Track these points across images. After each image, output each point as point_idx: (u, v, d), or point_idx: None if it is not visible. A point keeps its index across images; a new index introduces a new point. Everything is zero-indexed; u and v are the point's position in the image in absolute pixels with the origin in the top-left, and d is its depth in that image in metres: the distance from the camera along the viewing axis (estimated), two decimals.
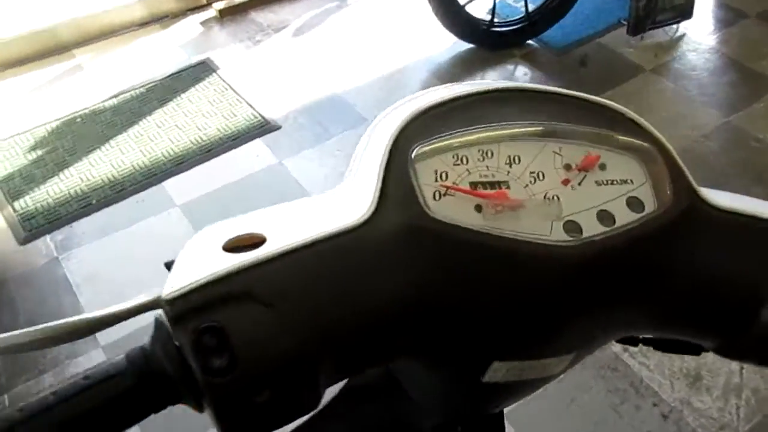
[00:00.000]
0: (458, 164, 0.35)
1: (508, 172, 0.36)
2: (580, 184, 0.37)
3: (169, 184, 1.92)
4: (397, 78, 2.33)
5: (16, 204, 1.86)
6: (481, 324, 0.35)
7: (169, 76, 2.33)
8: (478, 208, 0.34)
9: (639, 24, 2.32)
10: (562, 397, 1.44)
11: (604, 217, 0.36)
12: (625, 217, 0.36)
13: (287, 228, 0.34)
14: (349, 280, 0.32)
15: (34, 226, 1.79)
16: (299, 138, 2.08)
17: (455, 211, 0.34)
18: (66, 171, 1.96)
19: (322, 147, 2.05)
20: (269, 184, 1.92)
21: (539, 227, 0.34)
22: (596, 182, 0.37)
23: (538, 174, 0.36)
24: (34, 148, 2.05)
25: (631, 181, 0.37)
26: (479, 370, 0.37)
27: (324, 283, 0.32)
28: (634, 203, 0.37)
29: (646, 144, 0.38)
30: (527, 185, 0.36)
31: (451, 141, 0.36)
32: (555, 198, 0.36)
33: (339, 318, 0.32)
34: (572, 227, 0.35)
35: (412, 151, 0.35)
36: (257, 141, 2.06)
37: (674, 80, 2.28)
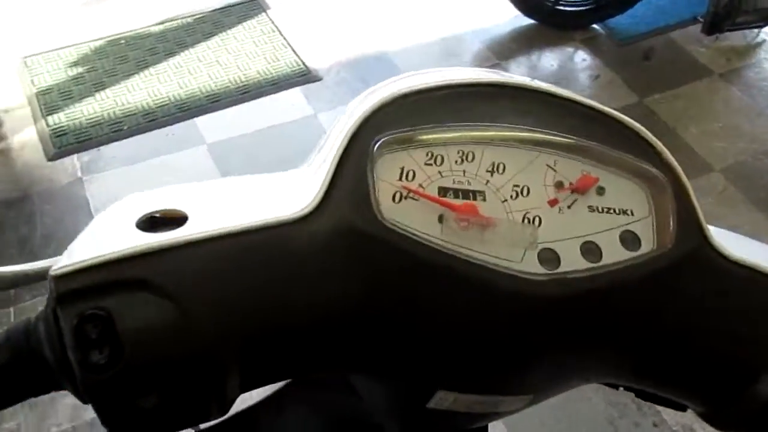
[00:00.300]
0: (430, 164, 0.30)
1: (488, 181, 0.31)
2: (569, 207, 0.31)
3: (201, 120, 1.90)
4: (448, 44, 2.24)
5: (50, 119, 1.87)
6: (425, 351, 0.31)
7: (219, 9, 2.28)
8: (442, 219, 0.30)
9: (716, 23, 2.17)
10: (557, 403, 1.39)
11: (590, 250, 0.31)
12: (614, 253, 0.31)
13: (215, 210, 0.30)
14: (270, 282, 0.28)
15: (64, 144, 1.80)
16: (339, 92, 2.02)
17: (414, 219, 0.29)
18: (102, 92, 1.95)
19: None
20: (300, 135, 1.88)
21: (509, 252, 0.30)
22: (589, 208, 0.32)
23: (522, 188, 0.31)
24: (75, 65, 2.05)
25: (631, 212, 0.32)
26: (422, 396, 0.33)
27: (238, 280, 0.28)
28: (628, 239, 0.31)
29: (657, 171, 0.32)
30: (506, 200, 0.31)
31: (426, 136, 0.31)
32: (535, 220, 0.31)
33: (251, 322, 0.28)
34: (549, 257, 0.30)
35: (376, 143, 0.30)
36: (296, 90, 2.02)
37: (743, 89, 2.14)
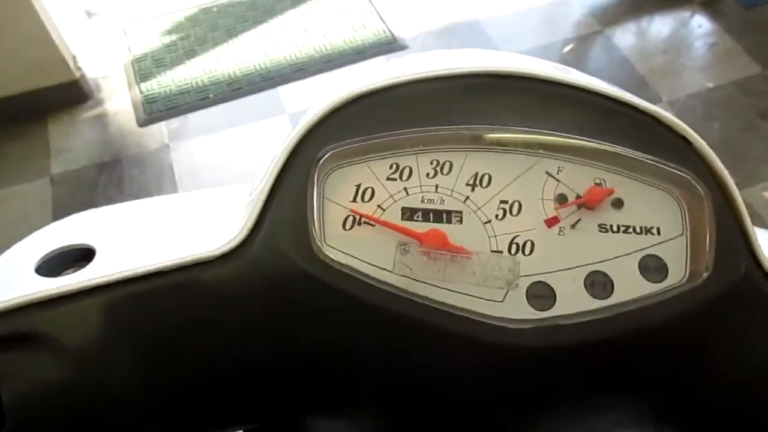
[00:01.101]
0: (394, 179, 0.24)
1: (467, 198, 0.25)
2: (573, 226, 0.25)
3: (284, 89, 1.89)
4: (547, 13, 2.08)
5: (143, 85, 1.93)
6: (378, 403, 0.25)
7: None
8: (405, 249, 0.24)
9: None
10: None
11: (598, 283, 0.24)
12: (630, 286, 0.24)
13: (128, 242, 0.26)
14: (184, 332, 0.24)
15: (154, 111, 1.86)
16: None
17: (368, 250, 0.24)
18: (192, 60, 1.99)
19: None
20: None
21: (489, 290, 0.23)
22: (601, 227, 0.25)
23: (511, 205, 0.25)
24: (169, 33, 2.10)
25: (658, 230, 0.25)
26: None
27: (146, 330, 0.24)
28: (652, 267, 0.24)
29: (694, 177, 0.24)
30: (489, 221, 0.24)
31: (388, 144, 0.25)
32: (525, 247, 0.24)
33: (163, 378, 0.24)
34: (541, 293, 0.24)
35: (322, 157, 0.24)
36: (380, 58, 1.96)
37: None
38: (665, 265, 0.24)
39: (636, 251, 0.25)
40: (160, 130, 1.81)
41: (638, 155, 0.25)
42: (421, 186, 0.25)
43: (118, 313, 0.24)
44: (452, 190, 0.25)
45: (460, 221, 0.25)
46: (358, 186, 0.25)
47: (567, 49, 1.91)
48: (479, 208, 0.25)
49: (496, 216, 0.25)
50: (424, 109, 0.25)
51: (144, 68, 1.99)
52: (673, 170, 0.25)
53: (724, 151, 1.60)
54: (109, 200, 1.64)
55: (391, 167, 0.25)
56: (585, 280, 0.24)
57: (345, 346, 0.24)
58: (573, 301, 0.24)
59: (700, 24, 1.99)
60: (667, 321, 0.23)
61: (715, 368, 0.25)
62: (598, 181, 0.25)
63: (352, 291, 0.23)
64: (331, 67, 1.94)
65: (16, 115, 1.80)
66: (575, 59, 1.88)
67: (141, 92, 1.91)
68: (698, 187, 0.24)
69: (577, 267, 0.24)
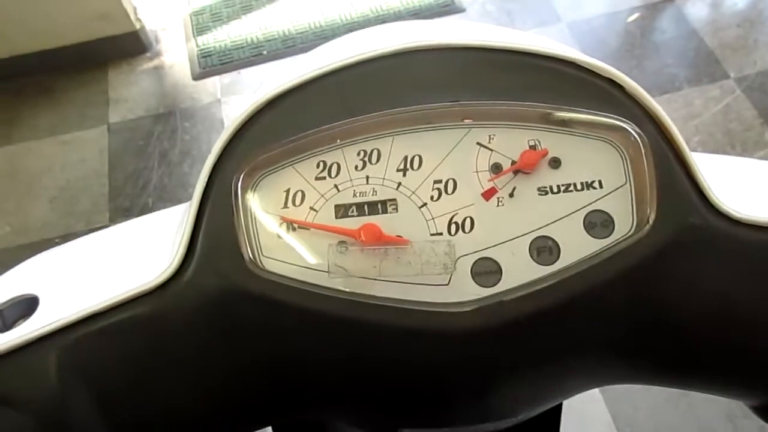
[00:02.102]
0: (323, 177, 0.24)
1: (400, 184, 0.24)
2: (512, 195, 0.24)
3: None
4: None
5: (199, 39, 1.96)
6: (345, 402, 0.25)
7: None
8: (342, 249, 0.23)
9: None
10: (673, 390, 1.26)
11: (544, 248, 0.23)
12: (577, 247, 0.23)
13: (70, 286, 0.26)
14: (136, 368, 0.24)
15: (209, 65, 1.88)
16: None
17: (304, 256, 0.24)
18: (248, 16, 2.00)
19: None
20: None
21: (431, 275, 0.23)
22: (540, 190, 0.24)
23: (446, 184, 0.24)
24: None
25: (600, 183, 0.24)
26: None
27: (98, 373, 0.23)
28: (597, 223, 0.23)
29: (630, 123, 0.23)
30: (424, 204, 0.24)
31: (311, 143, 0.24)
32: (466, 223, 0.23)
33: (122, 419, 0.24)
34: (487, 269, 0.23)
35: (245, 168, 0.24)
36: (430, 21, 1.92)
37: None
38: (611, 218, 0.24)
39: (579, 209, 0.24)
40: (214, 84, 1.84)
41: (568, 109, 0.24)
42: (351, 180, 0.24)
43: (66, 360, 0.23)
44: (383, 179, 0.24)
45: (396, 209, 0.24)
46: (288, 191, 0.24)
47: (632, 18, 1.83)
48: (413, 193, 0.24)
49: (432, 198, 0.24)
50: (341, 101, 0.24)
51: (201, 22, 2.01)
52: (607, 118, 0.23)
53: None
54: (162, 151, 1.68)
55: (318, 166, 0.24)
56: (530, 248, 0.23)
57: (296, 355, 0.24)
58: (520, 272, 0.23)
59: None
60: (616, 277, 0.22)
61: (671, 309, 0.24)
62: (532, 143, 0.24)
63: (291, 300, 0.23)
64: None
65: (79, 63, 1.86)
66: (640, 29, 1.79)
67: (197, 46, 1.94)
68: (632, 132, 0.23)
69: (520, 236, 0.24)
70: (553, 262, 0.23)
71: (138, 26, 1.86)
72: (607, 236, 0.23)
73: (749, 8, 1.86)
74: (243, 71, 1.86)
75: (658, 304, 0.23)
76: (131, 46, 1.88)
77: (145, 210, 1.55)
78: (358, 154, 0.24)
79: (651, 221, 0.23)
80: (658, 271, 0.23)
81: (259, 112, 0.25)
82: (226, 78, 1.84)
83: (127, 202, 1.57)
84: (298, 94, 0.25)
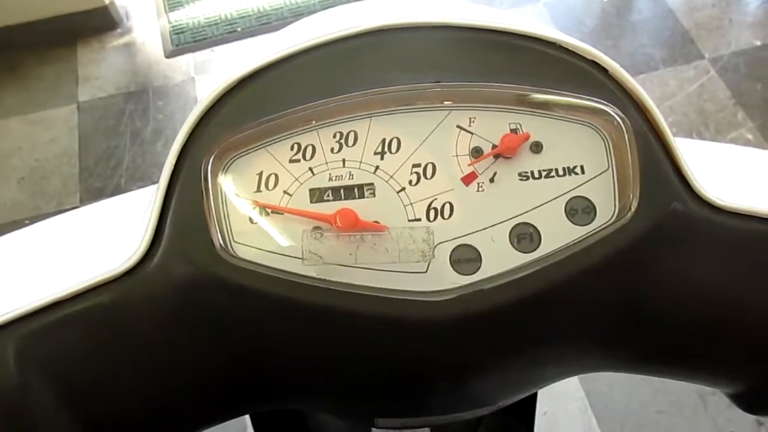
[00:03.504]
0: (297, 160, 0.23)
1: (377, 167, 0.23)
2: (492, 180, 0.23)
3: None
4: None
5: (171, 15, 1.91)
6: (321, 390, 0.25)
7: None
8: (316, 235, 0.22)
9: None
10: None
11: (524, 236, 0.23)
12: (558, 234, 0.23)
13: (28, 273, 0.25)
14: (102, 358, 0.23)
15: (182, 42, 1.84)
16: None
17: (277, 241, 0.23)
18: None
19: None
20: None
21: (409, 262, 0.22)
22: (521, 176, 0.23)
23: (425, 168, 0.23)
24: None
25: (582, 169, 0.23)
26: (364, 421, 0.28)
27: (62, 365, 0.22)
28: (579, 209, 0.23)
29: (612, 107, 0.23)
30: (403, 189, 0.23)
31: (285, 124, 0.23)
32: (445, 209, 0.23)
33: (88, 412, 0.23)
34: (466, 256, 0.22)
35: (215, 149, 0.23)
36: None
37: None
38: (593, 204, 0.23)
39: (561, 195, 0.23)
40: (187, 62, 1.80)
41: (551, 91, 0.23)
42: (327, 163, 0.23)
43: (26, 351, 0.22)
44: (360, 162, 0.23)
45: (373, 194, 0.23)
46: (260, 174, 0.23)
47: None
48: (391, 177, 0.23)
49: (410, 182, 0.23)
50: (317, 80, 0.23)
51: None
52: (589, 101, 0.23)
53: (766, 114, 1.53)
54: (134, 130, 1.65)
55: (292, 148, 0.23)
56: (510, 234, 0.23)
57: (268, 345, 0.23)
58: (499, 259, 0.23)
59: None
60: (598, 264, 0.22)
61: (652, 296, 0.23)
62: (513, 127, 0.23)
63: (263, 288, 0.22)
64: None
65: (46, 39, 1.80)
66: (616, 9, 1.79)
67: (169, 22, 1.90)
68: (615, 116, 0.22)
69: (500, 223, 0.23)
70: (534, 250, 0.23)
71: (107, 1, 1.81)
72: (589, 223, 0.23)
73: None
74: (217, 49, 1.82)
75: (639, 291, 0.23)
76: (101, 21, 1.83)
77: (117, 190, 1.53)
78: (334, 136, 0.24)
79: (633, 208, 0.22)
80: (640, 259, 0.23)
81: (230, 91, 0.24)
82: (200, 56, 1.81)
83: (98, 182, 1.54)
84: (272, 73, 0.24)
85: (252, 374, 0.24)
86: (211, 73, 1.77)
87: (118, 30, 1.86)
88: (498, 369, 0.25)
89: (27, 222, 1.48)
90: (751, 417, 1.20)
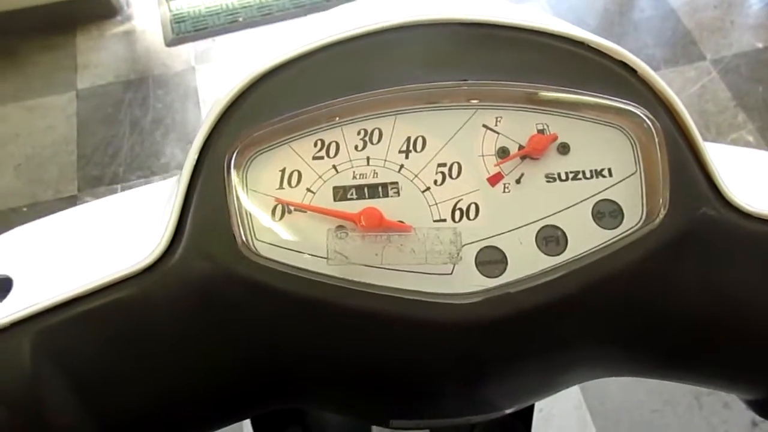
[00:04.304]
0: (321, 157, 0.23)
1: (402, 166, 0.23)
2: (518, 181, 0.23)
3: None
4: None
5: (172, 4, 1.90)
6: (342, 392, 0.24)
7: None
8: (341, 234, 0.22)
9: None
10: None
11: (550, 238, 0.22)
12: (585, 237, 0.22)
13: (47, 265, 0.24)
14: (121, 355, 0.22)
15: (183, 31, 1.83)
16: None
17: (300, 240, 0.22)
18: None
19: None
20: None
21: (436, 264, 0.22)
22: (548, 177, 0.23)
23: (450, 167, 0.23)
24: None
25: (609, 172, 0.23)
26: (378, 422, 0.27)
27: (80, 360, 0.22)
28: (606, 213, 0.23)
29: (642, 109, 0.22)
30: (428, 188, 0.23)
31: (308, 120, 0.23)
32: (470, 210, 0.22)
33: (105, 407, 0.22)
34: (492, 258, 0.22)
35: (237, 147, 0.22)
36: None
37: None
38: (620, 208, 0.23)
39: (588, 198, 0.23)
40: (187, 51, 1.79)
41: (579, 92, 0.22)
42: (351, 161, 0.23)
43: (42, 347, 0.22)
44: (385, 160, 0.23)
45: (398, 193, 0.23)
46: (283, 170, 0.23)
47: None
48: (416, 176, 0.23)
49: (435, 182, 0.23)
50: (341, 76, 0.23)
51: None
52: (618, 103, 0.22)
53: (767, 116, 1.53)
54: (133, 119, 1.64)
55: (315, 145, 0.23)
56: (536, 237, 0.23)
57: (290, 345, 0.23)
58: (525, 262, 0.22)
59: None
60: (624, 269, 0.22)
61: (678, 302, 0.23)
62: (540, 128, 0.23)
63: (286, 287, 0.22)
64: None
65: (45, 26, 1.78)
66: (618, 8, 1.79)
67: (170, 11, 1.88)
68: (645, 118, 0.22)
69: (527, 225, 0.23)
70: (560, 253, 0.22)
71: None
72: (616, 227, 0.23)
73: None
74: (218, 38, 1.81)
75: (665, 296, 0.23)
76: (100, 9, 1.81)
77: (115, 179, 1.52)
78: (359, 133, 0.23)
79: (662, 213, 0.22)
80: (668, 263, 0.22)
81: (253, 86, 0.23)
82: (201, 45, 1.79)
83: (96, 170, 1.53)
84: (296, 68, 0.23)
85: (270, 373, 0.24)
86: (212, 63, 1.75)
87: (118, 17, 1.85)
88: (520, 371, 0.24)
89: (24, 209, 1.47)
90: (745, 417, 1.21)
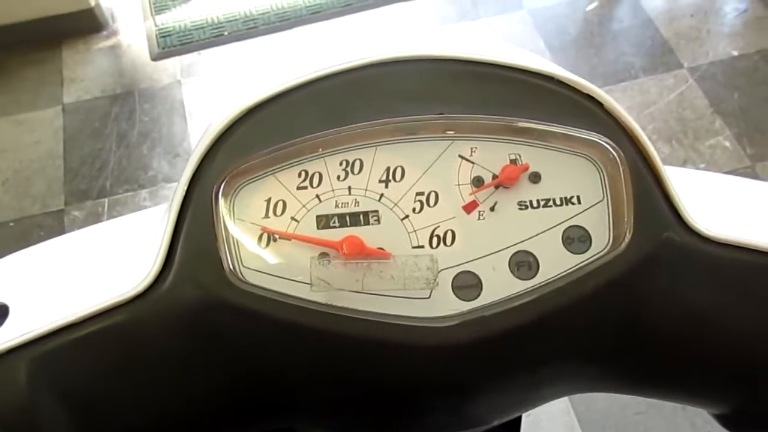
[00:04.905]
0: (305, 187, 0.24)
1: (382, 195, 0.24)
2: (492, 209, 0.24)
3: (300, 31, 1.86)
4: None
5: (158, 18, 1.91)
6: (321, 413, 0.26)
7: None
8: (323, 261, 0.23)
9: None
10: None
11: (523, 263, 0.24)
12: (555, 262, 0.24)
13: (42, 293, 0.25)
14: (112, 380, 0.23)
15: (168, 45, 1.84)
16: (442, 11, 1.90)
17: (285, 267, 0.23)
18: None
19: (465, 27, 1.86)
20: None
21: (413, 289, 0.23)
22: (520, 204, 0.24)
23: (428, 196, 0.24)
24: None
25: (578, 199, 0.24)
26: None
27: (72, 386, 0.23)
28: (575, 238, 0.24)
29: (607, 140, 0.24)
30: (406, 216, 0.24)
31: (293, 152, 0.24)
32: (447, 236, 0.24)
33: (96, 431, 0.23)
34: (467, 283, 0.23)
35: (224, 178, 0.23)
36: (396, 6, 1.91)
37: None
38: (588, 234, 0.24)
39: (558, 224, 0.24)
40: (173, 65, 1.80)
41: (549, 124, 0.24)
42: (333, 190, 0.24)
43: (38, 373, 0.22)
44: (366, 190, 0.24)
45: (378, 221, 0.24)
46: (269, 200, 0.24)
47: (591, 7, 1.86)
48: (395, 204, 0.24)
49: (414, 210, 0.24)
50: (324, 110, 0.24)
51: (159, 0, 1.96)
52: (586, 135, 0.24)
53: (743, 122, 1.56)
54: (120, 132, 1.64)
55: (300, 175, 0.24)
56: (510, 262, 0.24)
57: (276, 367, 0.24)
58: (499, 286, 0.23)
59: None
60: (594, 292, 0.23)
61: (645, 322, 0.25)
62: (513, 157, 0.24)
63: (272, 313, 0.23)
64: (348, 11, 1.90)
65: (31, 40, 1.79)
66: (598, 18, 1.83)
67: (156, 25, 1.89)
68: (611, 149, 0.24)
69: (500, 250, 0.24)
70: (532, 277, 0.23)
71: (93, 3, 1.80)
72: (585, 251, 0.24)
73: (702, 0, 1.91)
74: (203, 52, 1.82)
75: (633, 318, 0.24)
76: (86, 23, 1.82)
77: (102, 193, 1.52)
78: (341, 163, 0.24)
79: (627, 238, 0.23)
80: (634, 285, 0.24)
81: (239, 120, 0.24)
82: (186, 59, 1.81)
83: (83, 184, 1.54)
84: (280, 103, 0.24)
85: (259, 395, 0.25)
86: (198, 77, 1.77)
87: (104, 32, 1.86)
88: (498, 391, 0.25)
89: (11, 225, 1.47)
90: None
